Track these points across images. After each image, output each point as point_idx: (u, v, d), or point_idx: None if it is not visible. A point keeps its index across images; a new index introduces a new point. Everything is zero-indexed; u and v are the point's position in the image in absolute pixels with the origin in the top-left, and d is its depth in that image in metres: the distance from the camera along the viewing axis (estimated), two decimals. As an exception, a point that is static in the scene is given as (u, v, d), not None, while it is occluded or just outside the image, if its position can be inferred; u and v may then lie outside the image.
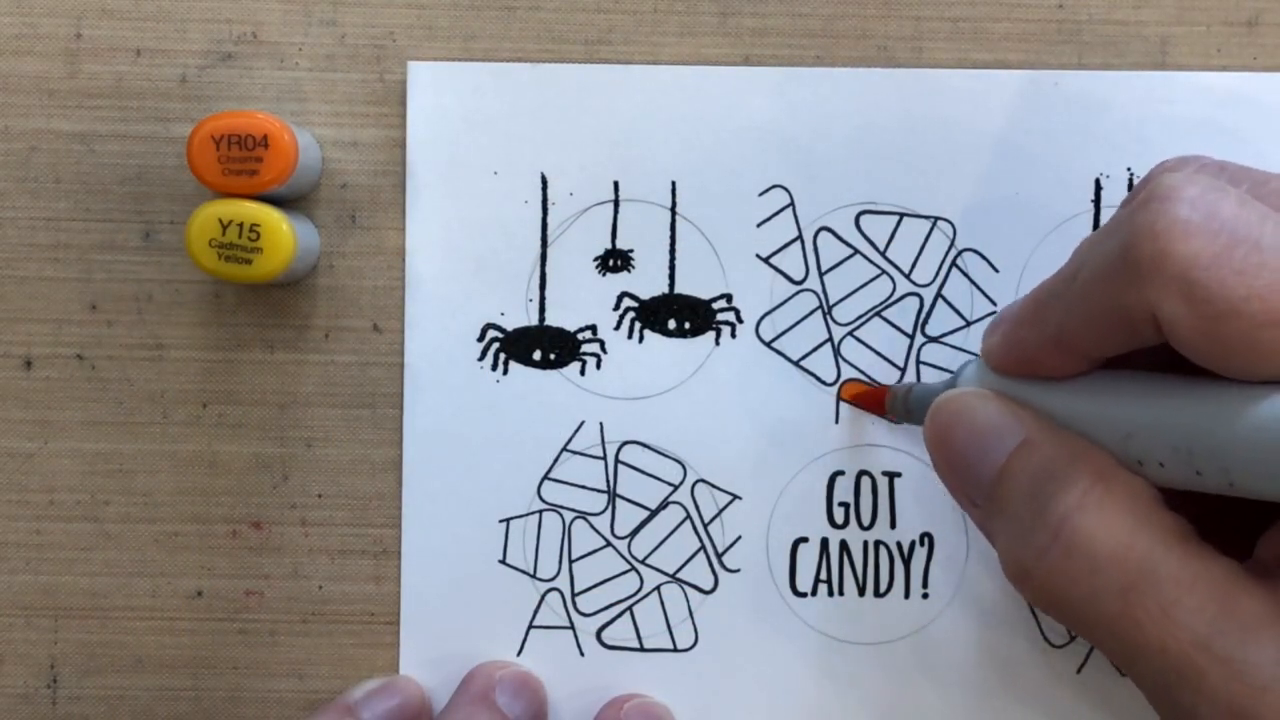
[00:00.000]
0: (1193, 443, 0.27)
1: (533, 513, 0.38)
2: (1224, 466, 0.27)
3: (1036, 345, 0.30)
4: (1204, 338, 0.26)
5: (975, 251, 0.37)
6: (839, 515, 0.38)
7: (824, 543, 0.38)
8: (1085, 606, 0.28)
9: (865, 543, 0.38)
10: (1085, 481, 0.29)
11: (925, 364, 0.38)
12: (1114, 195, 0.37)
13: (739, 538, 0.38)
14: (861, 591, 0.38)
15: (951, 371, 0.36)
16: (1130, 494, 0.28)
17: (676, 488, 0.38)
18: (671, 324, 0.38)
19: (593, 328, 0.38)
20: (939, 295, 0.37)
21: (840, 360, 0.38)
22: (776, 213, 0.38)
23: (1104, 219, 0.37)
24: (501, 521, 0.38)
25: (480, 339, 0.37)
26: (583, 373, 0.38)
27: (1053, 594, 0.29)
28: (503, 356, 0.37)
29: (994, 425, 0.31)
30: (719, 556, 0.38)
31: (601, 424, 0.38)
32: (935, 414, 0.32)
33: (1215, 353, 0.27)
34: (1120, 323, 0.28)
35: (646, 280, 0.38)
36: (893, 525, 0.38)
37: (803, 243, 0.38)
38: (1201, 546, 0.28)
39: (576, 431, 0.38)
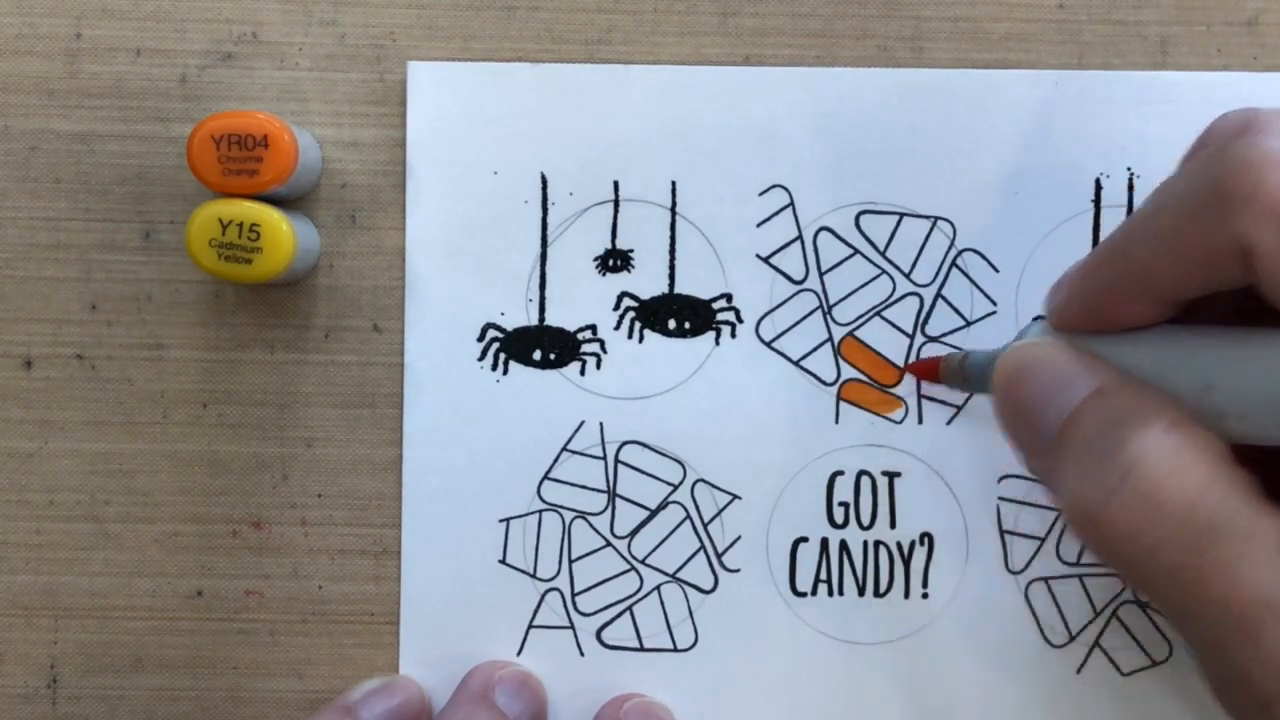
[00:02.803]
0: None
1: (533, 513, 0.38)
2: None
3: (1108, 291, 0.30)
4: None
5: (975, 251, 0.37)
6: (839, 515, 0.38)
7: (824, 543, 0.38)
8: (1149, 554, 0.28)
9: (865, 543, 0.38)
10: (1161, 425, 0.28)
11: (925, 364, 0.38)
12: (1114, 195, 0.37)
13: (739, 538, 0.38)
14: (861, 591, 0.38)
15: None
16: (1205, 444, 0.28)
17: (676, 488, 0.38)
18: (671, 324, 0.38)
19: (593, 327, 0.38)
20: (939, 295, 0.37)
21: (840, 360, 0.38)
22: (776, 213, 0.37)
23: (1104, 219, 0.37)
24: (501, 521, 0.37)
25: (480, 339, 0.37)
26: (583, 373, 0.38)
27: (1116, 539, 0.28)
28: (503, 356, 0.37)
29: (1066, 373, 0.30)
30: (719, 556, 0.38)
31: (601, 424, 0.38)
32: (1005, 361, 0.31)
33: None
34: (1207, 259, 0.27)
35: (646, 280, 0.38)
36: (893, 525, 0.38)
37: (803, 243, 0.37)
38: (1271, 504, 0.27)
39: (576, 431, 0.38)
